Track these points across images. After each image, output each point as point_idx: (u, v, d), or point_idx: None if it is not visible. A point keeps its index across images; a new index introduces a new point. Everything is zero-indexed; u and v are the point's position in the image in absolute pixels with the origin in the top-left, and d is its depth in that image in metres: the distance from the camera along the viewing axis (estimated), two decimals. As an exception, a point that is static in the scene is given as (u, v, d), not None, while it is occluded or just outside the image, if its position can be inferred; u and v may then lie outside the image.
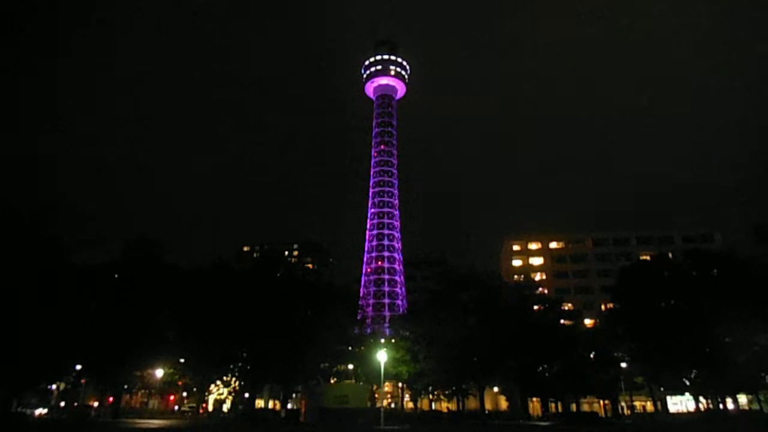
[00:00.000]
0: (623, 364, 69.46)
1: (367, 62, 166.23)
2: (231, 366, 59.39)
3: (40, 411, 68.94)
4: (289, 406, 73.58)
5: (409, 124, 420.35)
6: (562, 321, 71.72)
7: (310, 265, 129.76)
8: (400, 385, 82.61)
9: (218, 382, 63.74)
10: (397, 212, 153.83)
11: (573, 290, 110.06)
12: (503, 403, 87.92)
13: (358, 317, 79.08)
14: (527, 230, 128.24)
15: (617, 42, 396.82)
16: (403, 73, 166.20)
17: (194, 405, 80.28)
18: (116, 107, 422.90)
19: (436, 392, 74.44)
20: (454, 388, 67.84)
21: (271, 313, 53.21)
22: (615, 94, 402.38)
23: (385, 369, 56.39)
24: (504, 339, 57.98)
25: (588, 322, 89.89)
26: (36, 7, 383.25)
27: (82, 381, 70.53)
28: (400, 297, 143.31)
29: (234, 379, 61.43)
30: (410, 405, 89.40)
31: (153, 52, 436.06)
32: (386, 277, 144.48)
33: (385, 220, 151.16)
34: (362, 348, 73.16)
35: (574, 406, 74.88)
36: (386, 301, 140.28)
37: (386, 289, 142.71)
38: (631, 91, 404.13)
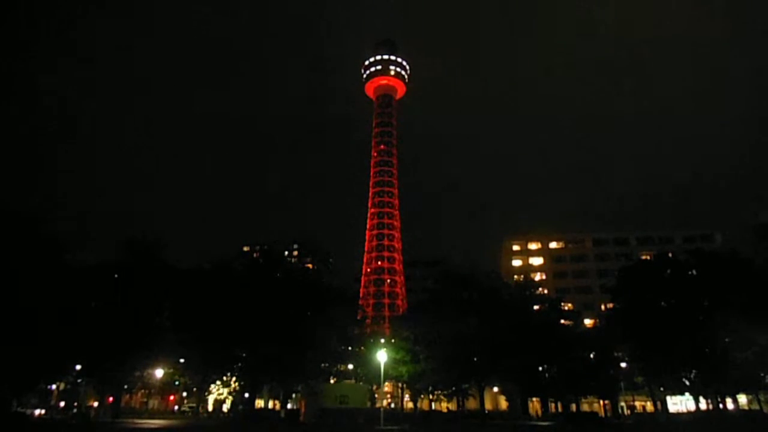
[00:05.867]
0: (623, 364, 69.39)
1: (367, 62, 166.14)
2: (231, 366, 59.35)
3: (40, 411, 68.92)
4: (289, 406, 73.58)
5: (410, 123, 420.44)
6: (561, 321, 71.68)
7: (310, 265, 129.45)
8: (400, 385, 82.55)
9: (218, 382, 63.71)
10: (397, 212, 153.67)
11: (573, 290, 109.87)
12: (503, 403, 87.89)
13: (358, 317, 79.03)
14: (527, 230, 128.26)
15: (617, 41, 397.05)
16: (403, 73, 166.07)
17: (194, 405, 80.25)
18: (117, 108, 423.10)
19: (436, 392, 74.43)
20: (454, 388, 67.81)
21: (271, 313, 53.18)
22: (616, 93, 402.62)
23: (385, 369, 56.40)
24: (504, 339, 57.96)
25: (588, 322, 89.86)
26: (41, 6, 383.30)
27: (82, 381, 70.49)
28: (400, 297, 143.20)
29: (234, 379, 61.38)
30: (410, 405, 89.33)
31: (154, 53, 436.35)
32: (386, 277, 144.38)
33: (385, 220, 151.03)
34: (362, 348, 73.11)
35: (574, 406, 74.84)
36: (386, 301, 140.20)
37: (386, 289, 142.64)
38: (631, 91, 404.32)
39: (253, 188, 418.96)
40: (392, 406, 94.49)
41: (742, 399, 72.40)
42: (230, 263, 62.32)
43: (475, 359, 59.94)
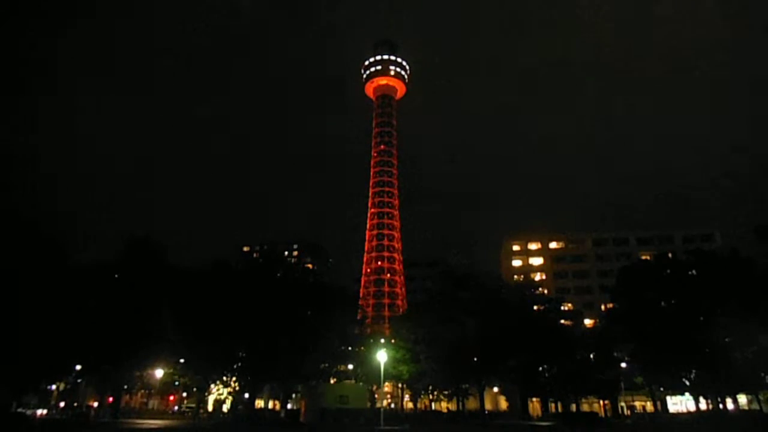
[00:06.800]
0: (623, 364, 69.41)
1: (367, 62, 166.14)
2: (231, 366, 59.36)
3: (42, 411, 68.84)
4: (289, 406, 73.54)
5: (410, 123, 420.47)
6: (562, 321, 71.66)
7: (310, 265, 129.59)
8: (400, 385, 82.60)
9: (218, 382, 63.70)
10: (397, 212, 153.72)
11: (573, 290, 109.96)
12: (503, 403, 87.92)
13: (358, 317, 79.05)
14: (527, 230, 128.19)
15: (617, 41, 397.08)
16: (403, 73, 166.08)
17: (193, 405, 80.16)
18: (118, 107, 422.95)
19: (436, 392, 74.44)
20: (454, 388, 67.84)
21: (271, 314, 53.14)
22: (616, 93, 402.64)
23: (385, 369, 56.39)
24: (504, 339, 57.94)
25: (588, 322, 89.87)
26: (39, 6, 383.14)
27: (82, 381, 70.47)
28: (400, 297, 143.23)
29: (234, 379, 61.39)
30: (410, 405, 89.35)
31: (155, 53, 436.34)
32: (386, 277, 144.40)
33: (385, 220, 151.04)
34: (362, 348, 73.10)
35: (574, 406, 74.83)
36: (386, 301, 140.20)
37: (386, 289, 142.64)
38: (631, 91, 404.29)
39: (253, 188, 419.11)
40: (392, 406, 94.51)
41: (742, 399, 72.35)
42: (230, 263, 62.29)
43: (475, 359, 59.90)
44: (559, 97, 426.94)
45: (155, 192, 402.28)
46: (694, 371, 57.48)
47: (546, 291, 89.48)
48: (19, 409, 58.00)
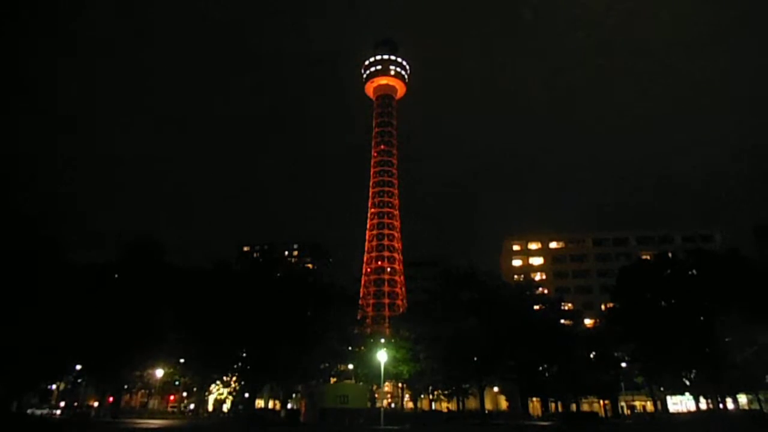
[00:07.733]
0: (623, 364, 69.43)
1: (367, 62, 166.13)
2: (231, 366, 59.40)
3: (55, 411, 68.67)
4: (289, 406, 73.60)
5: (410, 123, 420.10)
6: (562, 321, 71.64)
7: (310, 265, 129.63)
8: (400, 385, 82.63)
9: (218, 382, 63.77)
10: (397, 212, 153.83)
11: (573, 290, 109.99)
12: (503, 403, 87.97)
13: (358, 317, 79.06)
14: (527, 230, 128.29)
15: (617, 41, 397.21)
16: (403, 73, 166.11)
17: (186, 404, 80.00)
18: (117, 106, 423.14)
19: (436, 392, 74.41)
20: (454, 388, 67.88)
21: (271, 314, 53.19)
22: (615, 93, 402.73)
23: (385, 369, 56.43)
24: (504, 339, 57.96)
25: (588, 322, 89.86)
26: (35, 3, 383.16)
27: (82, 381, 70.46)
28: (400, 297, 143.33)
29: (234, 379, 61.46)
30: (410, 405, 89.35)
31: (154, 51, 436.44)
32: (386, 277, 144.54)
33: (385, 220, 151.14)
34: (362, 348, 73.18)
35: (574, 406, 74.82)
36: (386, 301, 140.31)
37: (386, 289, 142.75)
38: (631, 91, 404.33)
39: (253, 188, 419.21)
40: (392, 406, 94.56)
41: (742, 399, 72.38)
42: (230, 263, 62.32)
43: (475, 359, 59.90)
44: (558, 96, 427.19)
45: (155, 192, 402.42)
46: (694, 371, 57.50)
47: (546, 291, 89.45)
48: (30, 410, 58.08)
